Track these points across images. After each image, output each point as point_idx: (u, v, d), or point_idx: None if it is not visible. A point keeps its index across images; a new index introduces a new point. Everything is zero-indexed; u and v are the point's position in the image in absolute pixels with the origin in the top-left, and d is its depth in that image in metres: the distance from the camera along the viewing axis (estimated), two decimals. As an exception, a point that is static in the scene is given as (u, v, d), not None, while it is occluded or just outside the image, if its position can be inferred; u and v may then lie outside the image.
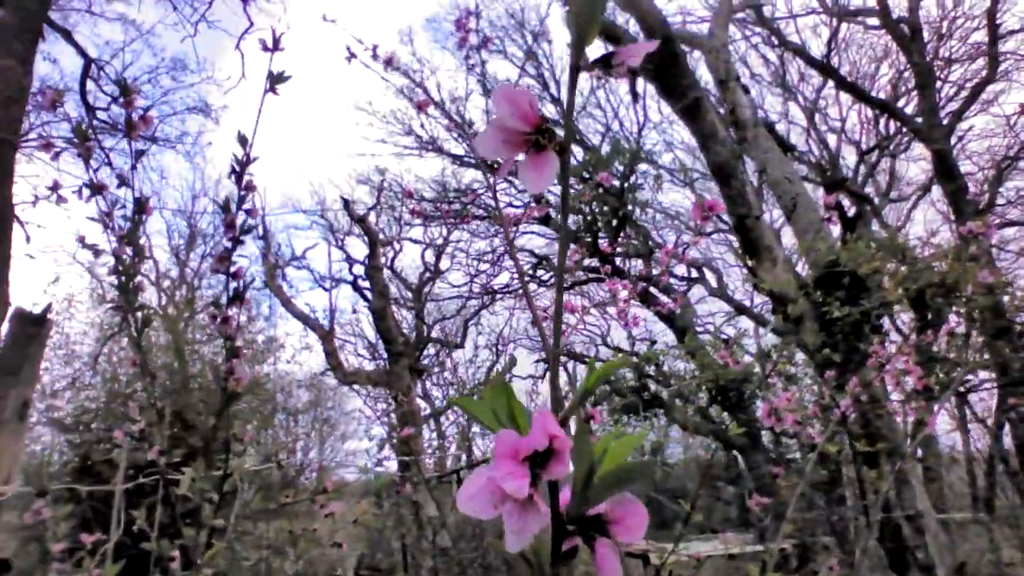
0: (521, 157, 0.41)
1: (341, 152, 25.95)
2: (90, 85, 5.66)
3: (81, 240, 1.33)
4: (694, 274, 9.25)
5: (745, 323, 9.78)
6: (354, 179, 14.06)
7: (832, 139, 9.07)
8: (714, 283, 9.24)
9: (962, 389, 5.54)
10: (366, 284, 8.67)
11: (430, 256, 10.84)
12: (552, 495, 0.40)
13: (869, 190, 8.48)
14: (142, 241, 1.26)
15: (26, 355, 3.01)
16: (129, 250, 1.15)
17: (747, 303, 8.99)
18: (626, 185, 7.93)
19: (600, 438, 0.45)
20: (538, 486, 0.38)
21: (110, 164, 1.37)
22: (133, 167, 1.07)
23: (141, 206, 1.10)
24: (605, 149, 8.61)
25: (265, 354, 6.90)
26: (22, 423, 2.94)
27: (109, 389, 5.70)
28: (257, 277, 9.36)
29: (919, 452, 5.20)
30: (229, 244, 0.99)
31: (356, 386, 8.27)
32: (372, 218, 8.24)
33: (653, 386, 5.67)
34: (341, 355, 7.62)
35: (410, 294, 11.17)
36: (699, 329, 10.19)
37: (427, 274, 11.18)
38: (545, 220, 8.60)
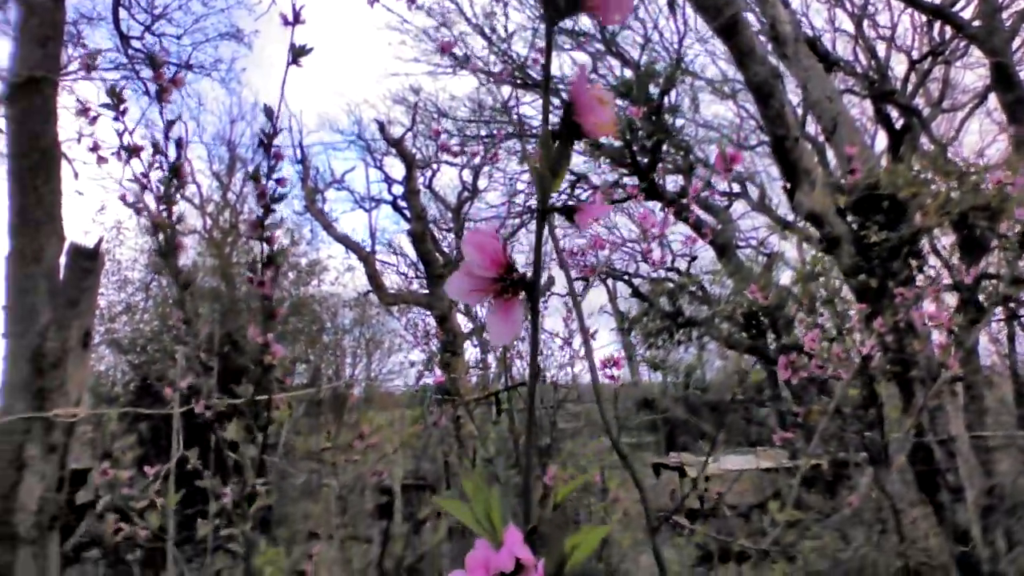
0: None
1: (376, 71, 25.62)
2: (123, 13, 5.66)
3: (123, 198, 1.39)
4: (736, 189, 9.10)
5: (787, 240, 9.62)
6: (389, 99, 13.91)
7: (881, 47, 8.63)
8: (757, 198, 9.08)
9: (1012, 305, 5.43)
10: (405, 205, 8.72)
11: (468, 175, 10.80)
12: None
13: (919, 101, 8.11)
14: (184, 166, 1.31)
15: (83, 288, 3.16)
16: (166, 213, 1.21)
17: (790, 218, 8.84)
18: (663, 106, 7.73)
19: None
20: None
21: (147, 93, 1.40)
22: (166, 136, 1.11)
23: (176, 170, 1.14)
24: (644, 61, 8.35)
25: (309, 277, 7.07)
26: (85, 351, 3.11)
27: (161, 314, 5.94)
28: (297, 201, 9.49)
29: (960, 372, 5.16)
30: (261, 212, 1.03)
31: (399, 306, 8.44)
32: (408, 139, 8.22)
33: (688, 309, 5.69)
34: (383, 277, 7.77)
35: (449, 214, 11.21)
36: (741, 244, 10.09)
37: (465, 193, 11.18)
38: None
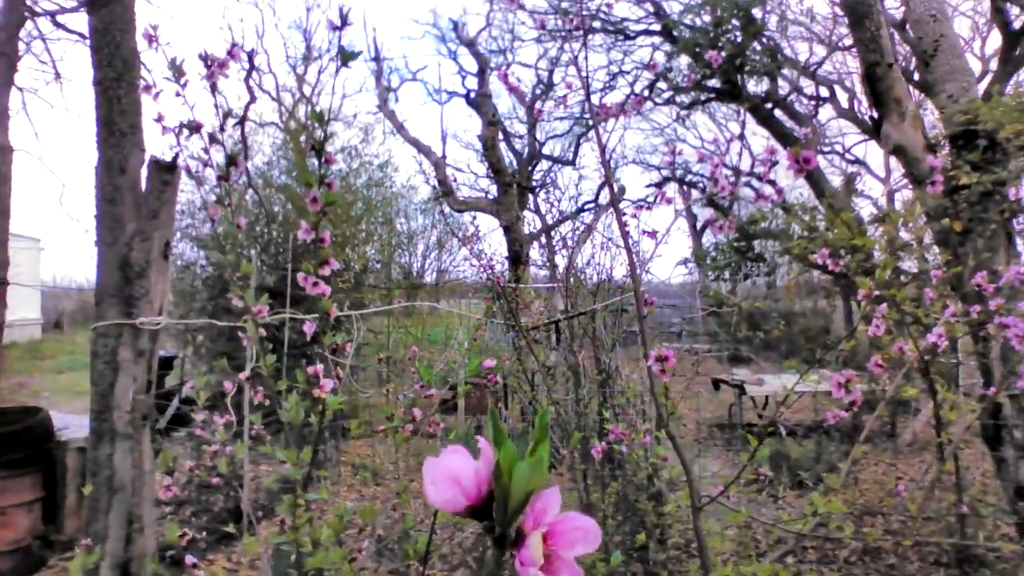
0: None
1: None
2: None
3: (187, 170, 1.41)
4: (823, 93, 8.57)
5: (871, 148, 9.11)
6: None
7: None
8: (845, 103, 8.55)
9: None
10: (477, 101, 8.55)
11: (543, 66, 10.47)
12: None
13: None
14: (259, 57, 1.33)
15: (163, 200, 3.29)
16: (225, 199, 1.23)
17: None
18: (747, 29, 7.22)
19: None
20: None
21: None
22: (222, 128, 1.12)
23: (231, 160, 1.16)
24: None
25: (381, 178, 7.10)
26: (166, 261, 3.28)
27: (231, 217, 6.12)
28: (368, 92, 9.39)
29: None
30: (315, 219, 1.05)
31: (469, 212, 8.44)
32: (484, 37, 7.98)
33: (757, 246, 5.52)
34: (453, 183, 7.73)
35: (523, 109, 10.99)
36: (825, 150, 9.62)
37: (540, 87, 10.89)
38: (667, 34, 8.07)
